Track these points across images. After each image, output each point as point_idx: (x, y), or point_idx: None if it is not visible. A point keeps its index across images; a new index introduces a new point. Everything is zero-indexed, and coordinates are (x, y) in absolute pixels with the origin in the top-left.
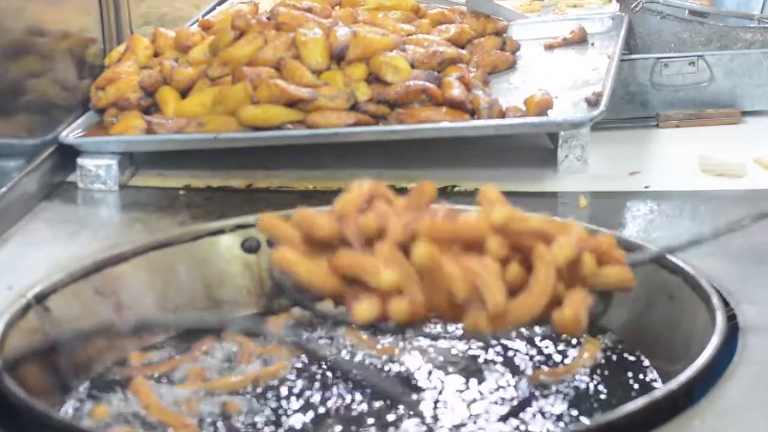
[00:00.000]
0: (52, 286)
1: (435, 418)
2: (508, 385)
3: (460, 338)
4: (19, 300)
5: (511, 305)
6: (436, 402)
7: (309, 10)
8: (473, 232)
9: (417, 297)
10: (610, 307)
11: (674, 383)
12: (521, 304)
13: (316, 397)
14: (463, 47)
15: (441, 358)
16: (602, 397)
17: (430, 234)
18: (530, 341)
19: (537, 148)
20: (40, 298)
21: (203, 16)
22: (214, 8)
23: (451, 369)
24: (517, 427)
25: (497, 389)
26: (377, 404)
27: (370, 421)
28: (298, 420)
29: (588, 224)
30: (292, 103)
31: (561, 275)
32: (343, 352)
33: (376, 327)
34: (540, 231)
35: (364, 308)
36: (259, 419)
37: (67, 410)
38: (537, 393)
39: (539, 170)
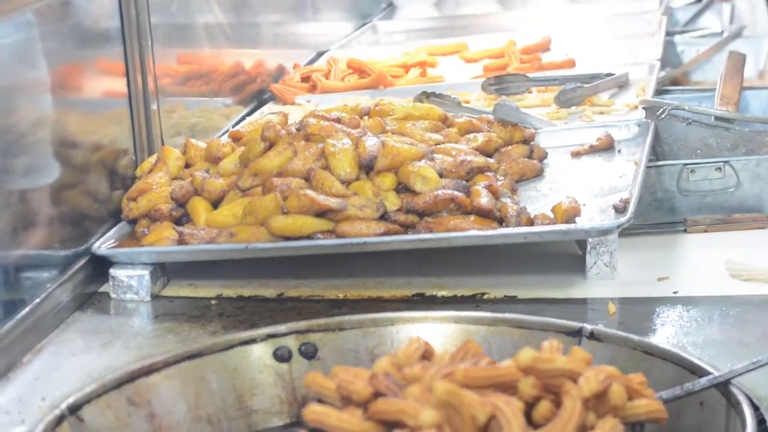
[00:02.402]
0: (85, 397)
1: None
2: None
3: None
4: (53, 411)
5: None
6: None
7: (338, 120)
8: (505, 376)
9: None
10: None
11: None
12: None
13: None
14: (490, 156)
15: None
16: None
17: (464, 380)
18: None
19: (565, 254)
20: (74, 409)
21: (233, 126)
22: (243, 118)
23: None
24: None
25: None
26: None
27: None
28: None
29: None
30: (322, 213)
31: (590, 406)
32: None
33: None
34: (567, 370)
35: None
36: None
37: None
38: None
39: (568, 277)
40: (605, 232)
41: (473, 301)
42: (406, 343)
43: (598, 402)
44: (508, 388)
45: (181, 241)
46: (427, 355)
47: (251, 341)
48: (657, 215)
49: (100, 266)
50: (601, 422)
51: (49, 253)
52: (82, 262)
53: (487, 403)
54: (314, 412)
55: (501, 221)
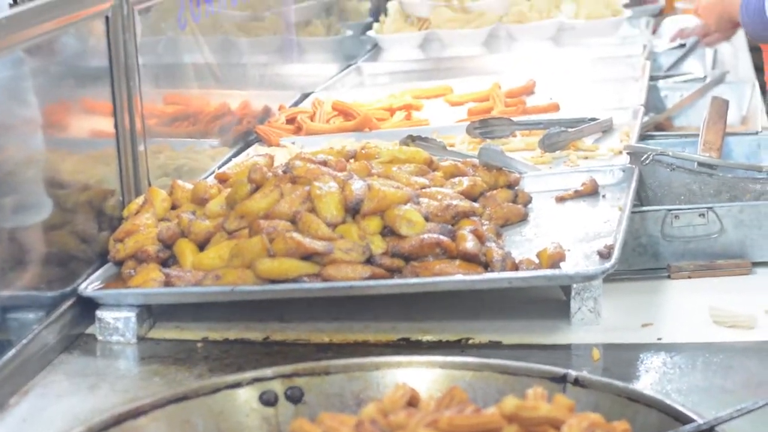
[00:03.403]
0: None
1: None
2: None
3: None
4: None
5: None
6: None
7: (324, 163)
8: (489, 424)
9: None
10: None
11: None
12: None
13: None
14: (475, 200)
15: None
16: None
17: (449, 428)
18: None
19: (550, 299)
20: None
21: (219, 168)
22: (229, 160)
23: None
24: None
25: None
26: None
27: None
28: None
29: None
30: (308, 256)
31: None
32: None
33: None
34: (551, 418)
35: None
36: None
37: None
38: None
39: (552, 322)
40: (590, 277)
41: (458, 346)
42: (392, 387)
43: None
44: None
45: (167, 283)
46: (413, 401)
47: (237, 385)
48: (641, 261)
49: (87, 307)
50: None
51: (35, 294)
52: (69, 303)
53: None
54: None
55: (486, 266)
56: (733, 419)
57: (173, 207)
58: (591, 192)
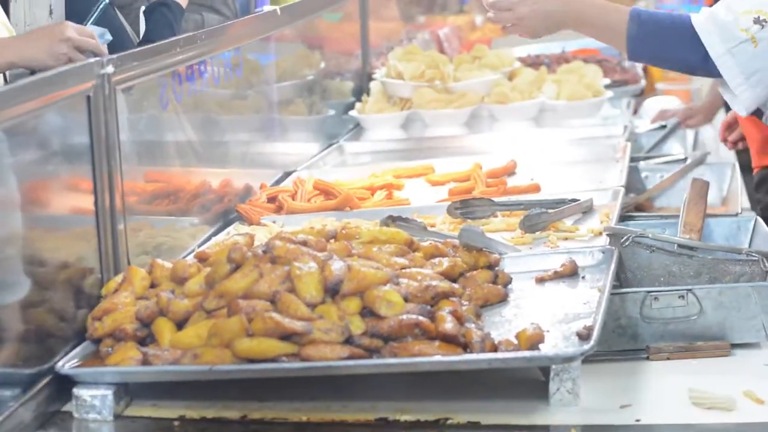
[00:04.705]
0: None
1: None
2: None
3: None
4: None
5: None
6: None
7: (304, 243)
8: None
9: None
10: None
11: None
12: None
13: None
14: (455, 280)
15: None
16: None
17: None
18: None
19: (529, 380)
20: None
21: (199, 246)
22: (210, 238)
23: None
24: None
25: None
26: None
27: None
28: None
29: None
30: (287, 336)
31: None
32: None
33: None
34: None
35: None
36: None
37: None
38: None
39: (531, 403)
40: (569, 359)
41: (436, 426)
42: None
43: None
44: None
45: (145, 362)
46: None
47: None
48: (620, 342)
49: (64, 385)
50: None
51: (12, 371)
52: (46, 380)
53: None
54: None
55: (465, 347)
56: None
57: (152, 285)
58: (570, 273)
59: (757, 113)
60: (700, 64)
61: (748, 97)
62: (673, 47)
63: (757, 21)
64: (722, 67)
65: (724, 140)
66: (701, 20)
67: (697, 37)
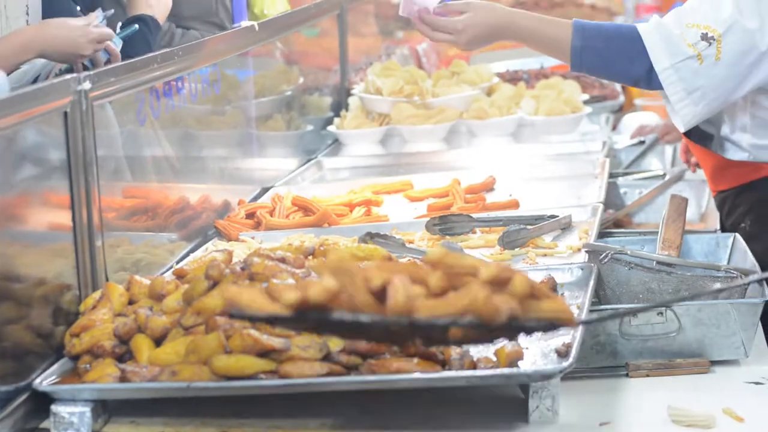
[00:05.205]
0: None
1: None
2: None
3: None
4: None
5: None
6: None
7: (282, 260)
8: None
9: None
10: None
11: None
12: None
13: None
14: None
15: None
16: None
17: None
18: None
19: (508, 397)
20: None
21: (177, 262)
22: (188, 254)
23: None
24: None
25: None
26: None
27: None
28: None
29: None
30: (265, 353)
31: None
32: None
33: None
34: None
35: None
36: None
37: None
38: None
39: (510, 420)
40: (548, 376)
41: None
42: None
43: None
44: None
45: (123, 379)
46: None
47: None
48: (599, 359)
49: (42, 402)
50: None
51: None
52: (23, 397)
53: None
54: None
55: (444, 364)
56: None
57: (130, 302)
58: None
59: (705, 142)
60: (644, 76)
61: (688, 113)
62: (617, 59)
63: (704, 37)
64: (665, 81)
65: (687, 162)
66: (649, 30)
67: (643, 49)
